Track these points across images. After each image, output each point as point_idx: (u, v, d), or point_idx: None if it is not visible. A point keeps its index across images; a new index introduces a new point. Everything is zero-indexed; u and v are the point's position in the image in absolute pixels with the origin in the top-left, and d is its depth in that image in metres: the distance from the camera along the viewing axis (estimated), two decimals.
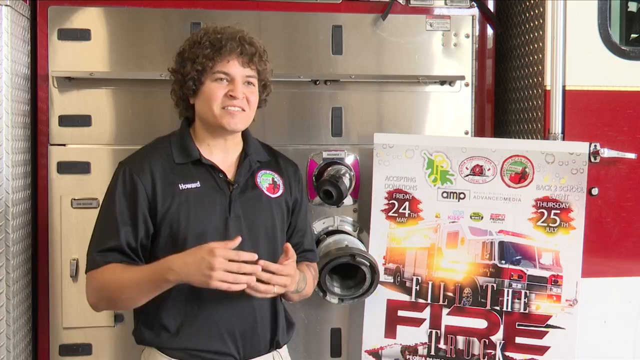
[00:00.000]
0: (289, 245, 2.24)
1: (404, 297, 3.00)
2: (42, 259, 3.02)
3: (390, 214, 3.02)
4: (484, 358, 2.95)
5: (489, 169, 2.98)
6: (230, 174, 2.35)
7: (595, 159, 2.98)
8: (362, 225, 3.15)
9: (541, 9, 3.07)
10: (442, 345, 2.98)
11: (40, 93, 3.00)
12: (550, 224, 2.93)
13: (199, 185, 2.30)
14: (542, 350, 2.91)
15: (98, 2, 3.01)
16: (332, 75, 3.15)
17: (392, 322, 3.00)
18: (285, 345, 2.47)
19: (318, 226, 3.12)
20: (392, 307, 3.01)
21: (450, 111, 3.27)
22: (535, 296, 2.92)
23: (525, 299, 2.92)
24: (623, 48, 3.07)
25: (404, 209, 3.01)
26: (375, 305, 2.99)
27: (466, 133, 3.28)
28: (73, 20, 3.01)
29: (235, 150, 2.40)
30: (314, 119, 3.18)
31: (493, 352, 2.94)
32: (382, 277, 2.96)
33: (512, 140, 3.20)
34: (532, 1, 3.17)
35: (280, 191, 2.42)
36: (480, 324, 2.96)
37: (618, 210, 3.07)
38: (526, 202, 2.95)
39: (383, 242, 3.01)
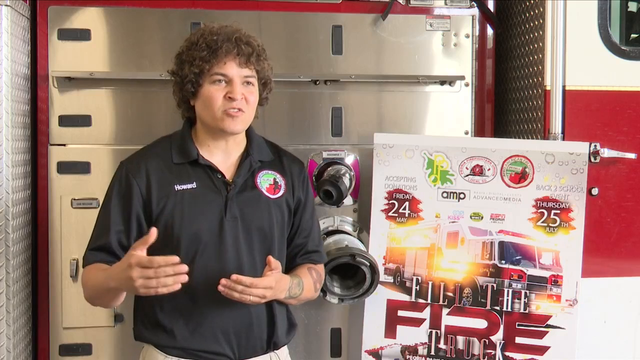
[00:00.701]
0: (271, 257, 2.20)
1: (404, 297, 3.00)
2: (42, 259, 3.02)
3: (390, 214, 3.02)
4: (484, 358, 2.95)
5: (489, 169, 2.98)
6: (230, 175, 2.34)
7: (595, 159, 2.98)
8: (362, 225, 3.15)
9: (541, 9, 3.07)
10: (442, 345, 2.98)
11: (40, 93, 3.00)
12: (550, 224, 2.92)
13: (195, 186, 2.30)
14: (542, 350, 2.91)
15: (98, 2, 3.01)
16: (332, 75, 3.15)
17: (392, 322, 3.00)
18: (286, 347, 2.45)
19: None
20: (392, 307, 3.00)
21: (450, 111, 3.27)
22: (535, 296, 2.92)
23: (525, 299, 2.92)
24: (623, 48, 3.06)
25: (404, 209, 3.01)
26: (375, 305, 2.99)
27: (466, 133, 3.28)
28: (73, 20, 3.01)
29: (237, 151, 2.39)
30: (314, 119, 3.17)
31: (493, 352, 2.94)
32: (382, 277, 2.95)
33: (512, 140, 3.19)
34: (532, 1, 3.17)
35: (282, 192, 2.39)
36: (480, 324, 2.96)
37: (618, 210, 3.07)
38: (526, 202, 2.94)
39: (383, 242, 3.01)
